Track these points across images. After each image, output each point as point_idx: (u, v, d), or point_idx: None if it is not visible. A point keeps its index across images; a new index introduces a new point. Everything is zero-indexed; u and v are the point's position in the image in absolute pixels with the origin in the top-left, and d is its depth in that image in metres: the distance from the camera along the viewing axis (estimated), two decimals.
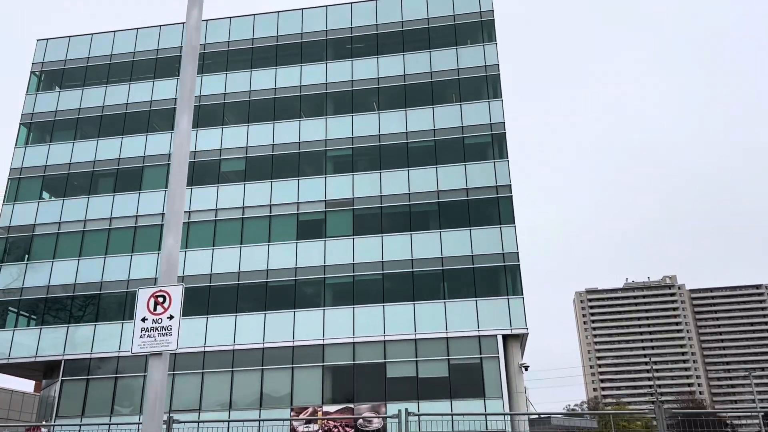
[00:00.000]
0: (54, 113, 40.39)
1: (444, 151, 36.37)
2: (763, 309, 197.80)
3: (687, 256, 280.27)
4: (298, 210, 36.10)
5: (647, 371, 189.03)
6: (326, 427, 31.69)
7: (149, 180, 38.00)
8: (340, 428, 31.59)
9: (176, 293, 6.53)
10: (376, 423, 31.48)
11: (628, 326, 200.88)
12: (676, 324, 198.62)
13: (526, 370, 32.95)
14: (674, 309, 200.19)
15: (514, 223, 34.44)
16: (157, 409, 6.19)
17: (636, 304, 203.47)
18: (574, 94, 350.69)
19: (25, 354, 34.92)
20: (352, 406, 32.01)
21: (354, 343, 33.06)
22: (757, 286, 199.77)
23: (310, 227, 35.69)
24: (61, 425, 24.09)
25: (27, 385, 48.34)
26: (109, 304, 35.47)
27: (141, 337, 6.37)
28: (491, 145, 36.33)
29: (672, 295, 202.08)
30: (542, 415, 40.07)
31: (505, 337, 32.54)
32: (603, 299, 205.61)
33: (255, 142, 37.96)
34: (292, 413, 32.02)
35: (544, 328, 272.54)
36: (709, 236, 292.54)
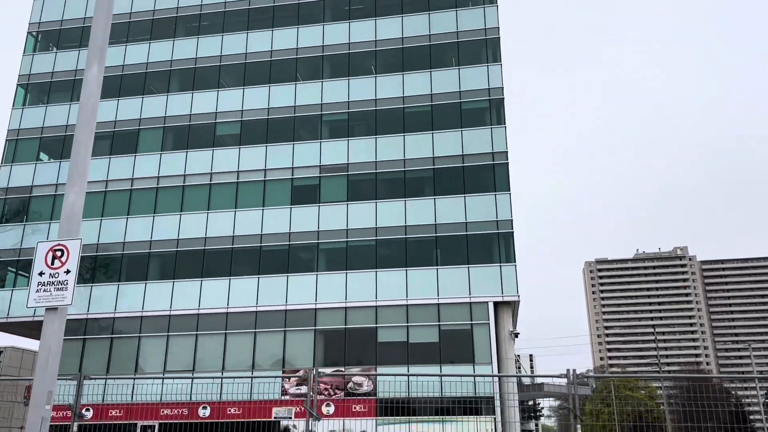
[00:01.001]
0: (51, 74, 40.21)
1: (441, 117, 35.87)
2: None
3: (699, 228, 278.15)
4: (292, 175, 35.93)
5: (655, 341, 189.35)
6: (317, 390, 31.98)
7: (145, 143, 37.91)
8: (330, 390, 31.92)
9: (74, 247, 6.40)
10: (366, 386, 31.77)
11: (637, 297, 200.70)
12: (686, 295, 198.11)
13: (517, 337, 32.98)
14: (684, 280, 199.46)
15: (509, 190, 34.08)
16: (50, 364, 6.11)
17: (646, 275, 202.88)
18: (580, 60, 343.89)
19: (24, 313, 35.41)
20: (343, 369, 32.28)
21: (346, 307, 33.18)
22: None
23: (305, 192, 35.55)
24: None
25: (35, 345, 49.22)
26: (105, 266, 35.76)
27: (37, 291, 6.26)
28: (489, 110, 35.75)
29: (683, 266, 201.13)
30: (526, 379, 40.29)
31: (496, 304, 32.49)
32: (612, 269, 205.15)
33: (250, 106, 37.64)
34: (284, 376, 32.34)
35: (553, 297, 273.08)
36: (722, 208, 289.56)
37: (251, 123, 37.34)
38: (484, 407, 30.50)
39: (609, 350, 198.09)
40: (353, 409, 31.32)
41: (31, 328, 37.42)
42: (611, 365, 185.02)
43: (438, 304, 32.64)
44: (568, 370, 7.99)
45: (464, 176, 34.57)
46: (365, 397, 31.45)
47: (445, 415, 30.20)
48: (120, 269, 35.58)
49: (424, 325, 32.47)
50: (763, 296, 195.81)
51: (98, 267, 35.73)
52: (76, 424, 9.49)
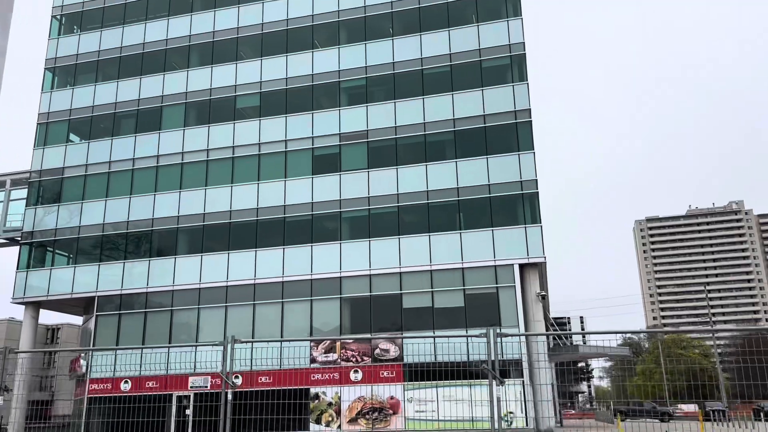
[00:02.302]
0: (75, 56, 40.87)
1: (460, 77, 34.91)
2: None
3: (755, 180, 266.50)
4: (312, 144, 35.75)
5: (711, 299, 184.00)
6: (344, 356, 32.27)
7: (168, 119, 38.29)
8: (358, 357, 32.11)
9: None
10: (393, 352, 31.81)
11: (690, 254, 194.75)
12: (743, 251, 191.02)
13: (544, 299, 32.31)
14: (740, 235, 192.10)
15: (533, 149, 33.07)
16: None
17: (699, 231, 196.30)
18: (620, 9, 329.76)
19: (62, 291, 36.73)
20: (369, 336, 32.37)
21: (370, 275, 33.12)
22: None
23: (326, 161, 35.36)
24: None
25: (76, 320, 51.25)
26: (136, 243, 36.62)
27: None
28: (510, 67, 34.58)
29: (738, 221, 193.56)
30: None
31: (522, 266, 31.86)
32: (664, 227, 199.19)
33: (269, 77, 37.44)
34: (312, 344, 32.68)
35: (603, 258, 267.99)
36: None
37: (270, 94, 37.19)
38: (513, 370, 30.14)
39: (662, 310, 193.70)
40: (381, 375, 31.46)
41: (70, 305, 38.84)
42: (665, 325, 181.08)
43: (462, 268, 32.21)
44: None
45: (486, 137, 33.70)
46: (392, 363, 31.52)
47: (472, 379, 29.98)
48: (150, 246, 36.36)
49: (448, 290, 32.16)
50: None
51: (129, 244, 36.59)
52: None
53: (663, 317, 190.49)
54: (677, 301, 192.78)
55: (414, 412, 30.61)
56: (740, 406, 73.56)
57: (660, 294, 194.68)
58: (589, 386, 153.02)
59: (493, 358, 8.98)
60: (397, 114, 35.13)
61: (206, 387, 32.75)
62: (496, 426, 8.23)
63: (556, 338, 54.03)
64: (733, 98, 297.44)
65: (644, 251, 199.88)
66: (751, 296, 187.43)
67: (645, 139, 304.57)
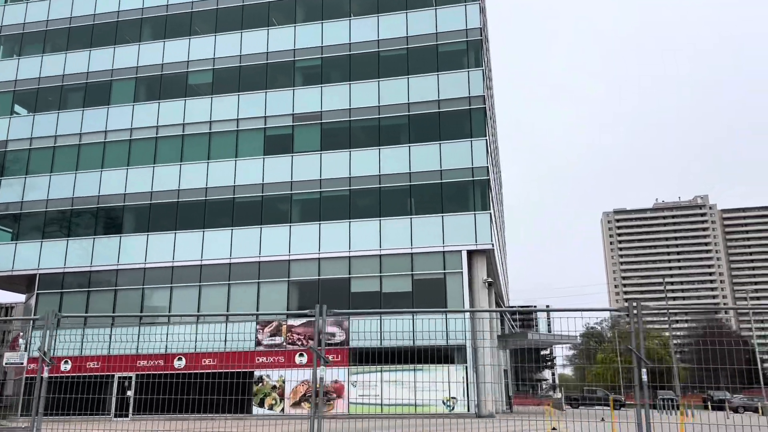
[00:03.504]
0: (22, 25, 39.46)
1: (416, 61, 34.51)
2: None
3: (720, 176, 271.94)
4: (265, 124, 35.11)
5: (672, 291, 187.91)
6: (290, 340, 31.95)
7: (117, 94, 37.25)
8: (304, 340, 31.82)
9: None
10: (339, 336, 31.57)
11: (655, 246, 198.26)
12: (705, 245, 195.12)
13: (490, 286, 32.33)
14: (704, 230, 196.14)
15: (486, 136, 32.92)
16: None
17: (665, 225, 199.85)
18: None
19: (3, 267, 35.67)
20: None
21: (319, 258, 32.77)
22: None
23: (278, 142, 34.77)
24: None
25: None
26: (81, 220, 35.68)
27: None
28: (466, 53, 34.27)
29: (702, 215, 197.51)
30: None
31: (470, 252, 31.80)
32: (631, 219, 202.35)
33: (222, 53, 36.61)
34: (258, 327, 32.29)
35: (571, 248, 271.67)
36: (745, 155, 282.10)
37: (223, 71, 36.39)
38: (458, 355, 30.19)
39: (626, 301, 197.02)
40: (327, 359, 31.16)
41: (13, 282, 37.79)
42: (627, 315, 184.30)
43: (411, 253, 32.03)
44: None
45: (440, 123, 33.43)
46: (338, 347, 31.29)
47: (417, 363, 29.94)
48: (95, 223, 35.47)
49: (397, 275, 31.98)
50: None
51: (73, 221, 35.65)
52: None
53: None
54: (641, 292, 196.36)
55: (358, 395, 30.48)
56: (691, 396, 75.29)
57: (624, 285, 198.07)
58: (552, 374, 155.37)
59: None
60: (351, 96, 34.65)
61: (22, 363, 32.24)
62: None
63: (511, 325, 54.34)
64: (706, 97, 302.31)
65: (611, 242, 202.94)
66: (712, 289, 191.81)
67: (621, 132, 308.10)
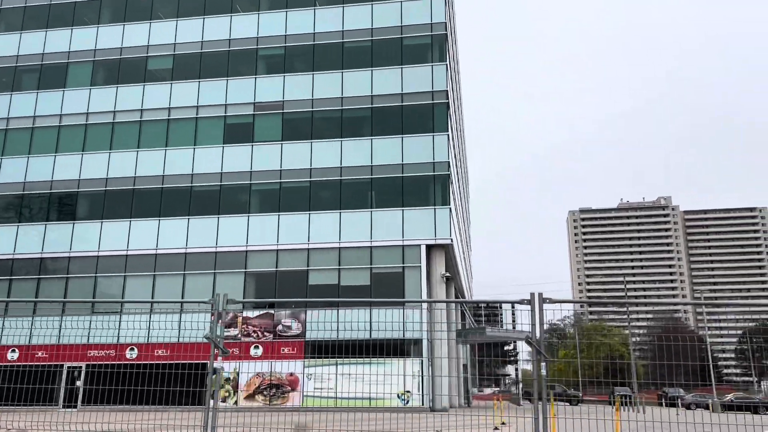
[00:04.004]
0: None
1: (381, 53, 34.30)
2: (755, 232, 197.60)
3: (685, 177, 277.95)
4: (225, 112, 34.54)
5: (634, 290, 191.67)
6: (245, 332, 31.56)
7: (74, 77, 36.24)
8: (259, 332, 31.47)
9: None
10: (296, 328, 31.31)
11: (619, 245, 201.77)
12: (667, 245, 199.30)
13: (449, 280, 32.39)
14: (666, 230, 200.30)
15: (448, 131, 32.90)
16: None
17: (629, 224, 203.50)
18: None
19: None
20: (272, 312, 31.76)
21: (278, 250, 32.42)
22: (751, 209, 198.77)
23: (238, 131, 34.25)
24: None
25: None
26: (33, 206, 34.68)
27: None
28: (431, 47, 34.17)
29: (665, 216, 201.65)
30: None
31: (429, 247, 31.79)
32: (596, 218, 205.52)
33: (183, 39, 35.88)
34: (212, 318, 31.75)
35: (538, 245, 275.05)
36: (708, 158, 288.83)
37: (184, 57, 35.67)
38: (414, 348, 30.20)
39: (589, 299, 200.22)
40: (282, 351, 30.94)
41: None
42: (591, 313, 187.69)
43: (371, 247, 31.89)
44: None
45: (402, 116, 33.31)
46: (294, 339, 31.03)
47: (373, 356, 29.86)
48: (47, 209, 34.51)
49: (356, 268, 31.81)
50: (743, 246, 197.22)
51: (24, 206, 34.64)
52: None
53: (589, 305, 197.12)
54: (604, 290, 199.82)
55: (313, 388, 30.28)
56: (647, 392, 76.96)
57: (588, 283, 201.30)
58: (516, 369, 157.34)
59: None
60: (315, 86, 34.29)
61: None
62: None
63: (471, 320, 54.70)
64: (677, 99, 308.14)
65: (576, 240, 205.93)
66: (672, 288, 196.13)
67: (592, 132, 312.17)
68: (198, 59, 35.46)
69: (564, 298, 6.66)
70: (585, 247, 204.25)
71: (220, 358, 7.84)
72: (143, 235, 33.23)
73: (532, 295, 5.71)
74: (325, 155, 33.28)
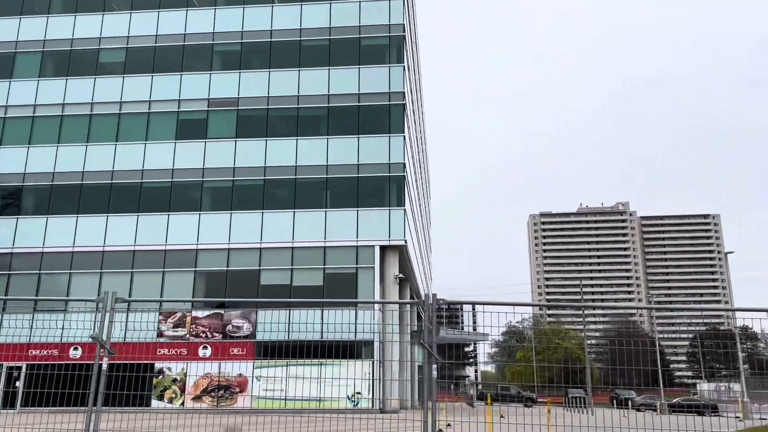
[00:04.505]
0: None
1: (338, 53, 34.11)
2: (708, 238, 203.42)
3: (642, 184, 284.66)
4: (178, 108, 33.89)
5: (591, 293, 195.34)
6: (194, 332, 30.98)
7: (21, 67, 35.10)
8: (208, 332, 30.92)
9: None
10: (246, 328, 30.86)
11: (578, 249, 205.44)
12: (624, 250, 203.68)
13: (402, 281, 32.37)
14: (624, 235, 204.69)
15: (404, 132, 32.89)
16: None
17: (588, 229, 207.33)
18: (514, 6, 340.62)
19: None
20: (222, 312, 31.25)
21: (229, 249, 31.92)
22: (705, 216, 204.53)
23: (191, 127, 33.63)
24: None
25: None
26: None
27: None
28: (388, 48, 34.14)
29: (623, 221, 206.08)
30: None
31: (383, 248, 31.72)
32: (556, 222, 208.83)
33: (137, 32, 35.08)
34: (160, 318, 31.16)
35: (500, 248, 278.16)
36: (667, 166, 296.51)
37: (137, 50, 34.88)
38: (366, 350, 30.08)
39: (548, 301, 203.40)
40: (231, 352, 30.47)
41: None
42: (549, 316, 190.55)
43: (324, 247, 31.65)
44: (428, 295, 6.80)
45: (359, 116, 33.17)
46: (244, 340, 30.58)
47: (324, 358, 29.60)
48: None
49: (309, 269, 31.53)
50: (697, 252, 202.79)
51: None
52: None
53: (549, 308, 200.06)
54: (563, 293, 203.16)
55: (262, 390, 29.88)
56: (601, 394, 78.36)
57: (547, 285, 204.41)
58: (475, 371, 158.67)
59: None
60: (271, 84, 33.91)
61: None
62: None
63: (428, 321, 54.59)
64: (641, 105, 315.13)
65: (536, 244, 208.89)
66: (629, 292, 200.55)
67: (557, 136, 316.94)
68: (152, 53, 34.72)
69: (456, 300, 6.59)
70: (545, 251, 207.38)
71: (105, 358, 7.55)
72: (90, 231, 32.34)
73: (426, 295, 5.64)
74: (280, 154, 32.92)
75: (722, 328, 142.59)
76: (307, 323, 29.64)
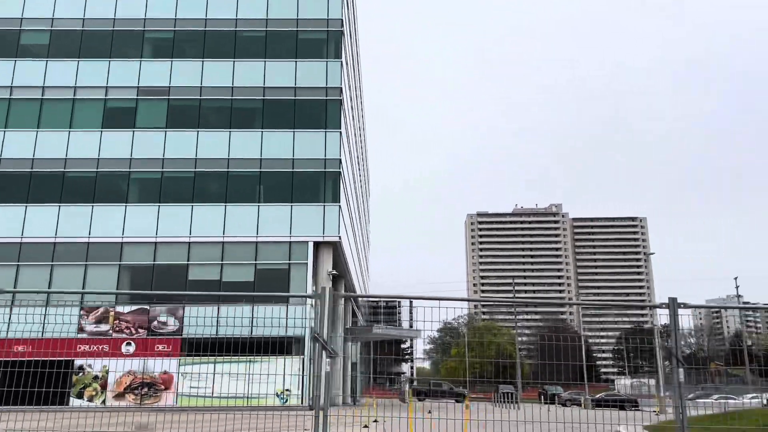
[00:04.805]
0: None
1: (275, 45, 33.58)
2: (635, 240, 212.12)
3: (575, 186, 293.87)
4: (106, 95, 32.58)
5: (525, 291, 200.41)
6: (117, 328, 29.88)
7: None
8: (132, 329, 29.89)
9: None
10: (172, 325, 30.00)
11: (513, 249, 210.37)
12: (556, 250, 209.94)
13: (337, 278, 32.21)
14: (556, 236, 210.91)
15: (341, 128, 32.70)
16: None
17: (522, 229, 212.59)
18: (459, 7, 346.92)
19: None
20: (147, 307, 30.25)
21: (156, 242, 30.94)
22: (633, 219, 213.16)
23: (119, 115, 32.40)
24: None
25: None
26: None
27: None
28: (326, 42, 33.86)
29: (556, 222, 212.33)
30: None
31: (317, 244, 31.45)
32: (492, 222, 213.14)
33: (63, 14, 33.51)
34: (82, 313, 29.90)
35: (437, 246, 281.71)
36: (598, 169, 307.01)
37: (63, 33, 33.31)
38: (295, 347, 29.76)
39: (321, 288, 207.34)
40: (156, 349, 29.54)
41: None
42: (484, 313, 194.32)
43: (256, 242, 31.12)
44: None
45: (295, 110, 32.76)
46: (170, 336, 29.72)
47: (254, 354, 29.09)
48: None
49: (240, 264, 30.93)
50: (625, 253, 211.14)
51: None
52: None
53: (483, 305, 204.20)
54: (497, 292, 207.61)
55: (188, 387, 29.12)
56: (530, 390, 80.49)
57: (483, 284, 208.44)
58: (411, 367, 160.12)
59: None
60: (204, 73, 33.06)
61: None
62: None
63: (361, 318, 54.73)
64: (574, 107, 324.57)
65: (473, 243, 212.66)
66: (560, 291, 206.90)
67: (498, 136, 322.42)
68: (78, 37, 33.23)
69: (363, 293, 6.53)
70: (481, 250, 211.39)
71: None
72: (7, 222, 30.69)
73: (323, 289, 5.55)
74: (213, 145, 32.15)
75: (646, 326, 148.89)
76: (235, 317, 29.04)
